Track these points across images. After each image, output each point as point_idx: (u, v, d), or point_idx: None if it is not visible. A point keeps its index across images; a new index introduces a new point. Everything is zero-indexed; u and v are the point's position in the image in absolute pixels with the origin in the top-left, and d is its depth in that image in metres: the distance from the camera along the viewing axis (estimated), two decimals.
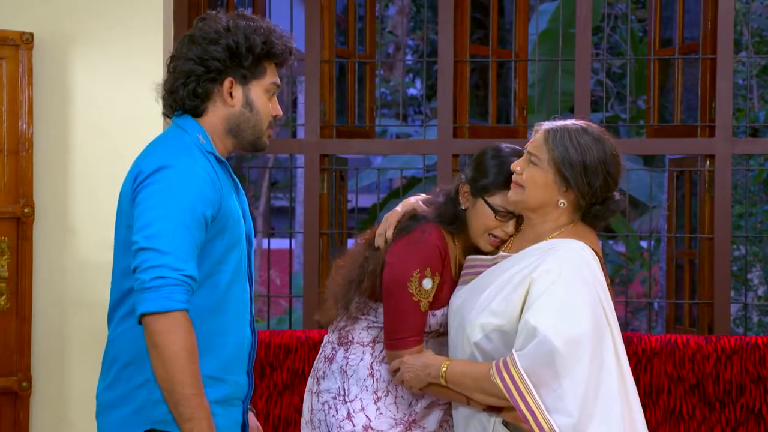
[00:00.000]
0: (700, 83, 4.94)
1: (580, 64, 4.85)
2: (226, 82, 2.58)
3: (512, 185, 2.78)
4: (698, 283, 4.98)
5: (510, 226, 2.88)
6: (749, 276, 9.90)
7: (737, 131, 5.76)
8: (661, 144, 5.04)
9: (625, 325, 5.37)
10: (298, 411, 4.19)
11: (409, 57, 13.27)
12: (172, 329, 2.35)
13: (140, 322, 2.38)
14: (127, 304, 2.51)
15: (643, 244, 11.23)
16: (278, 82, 2.68)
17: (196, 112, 2.60)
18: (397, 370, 2.88)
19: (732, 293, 5.32)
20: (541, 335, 2.53)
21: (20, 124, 4.39)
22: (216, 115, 2.61)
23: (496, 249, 2.89)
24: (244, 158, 9.51)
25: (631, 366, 4.02)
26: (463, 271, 2.92)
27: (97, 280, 4.27)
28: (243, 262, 2.63)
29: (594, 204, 2.72)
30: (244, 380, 2.65)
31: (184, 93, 2.57)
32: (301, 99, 11.12)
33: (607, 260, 10.85)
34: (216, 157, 2.60)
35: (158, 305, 2.35)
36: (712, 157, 4.83)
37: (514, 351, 2.58)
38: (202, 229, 2.45)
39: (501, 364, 2.59)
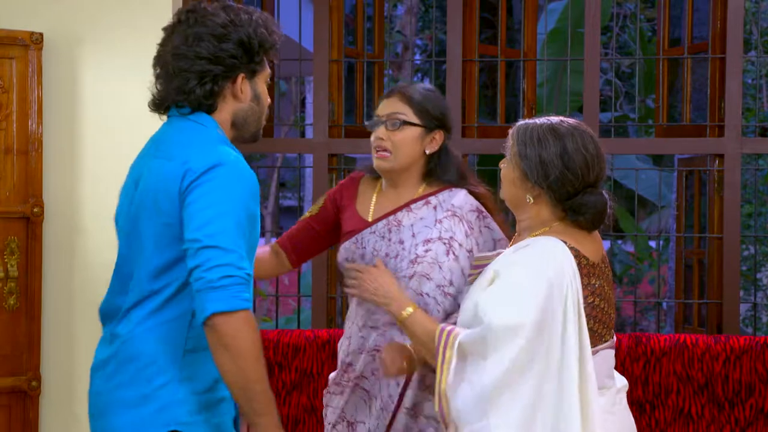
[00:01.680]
0: (710, 83, 4.94)
1: (588, 64, 4.85)
2: (239, 78, 2.56)
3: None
4: (707, 282, 4.97)
5: (380, 132, 3.01)
6: (758, 276, 9.87)
7: (746, 131, 5.75)
8: (670, 143, 5.04)
9: (633, 325, 5.35)
10: (307, 410, 4.19)
11: (417, 57, 13.26)
12: (243, 328, 2.34)
13: (205, 323, 2.34)
14: (153, 302, 2.47)
15: (652, 243, 11.22)
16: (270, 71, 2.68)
17: (211, 110, 2.57)
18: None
19: (741, 293, 5.31)
20: (486, 319, 2.55)
21: (30, 123, 4.40)
22: (226, 111, 2.58)
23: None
24: (253, 158, 9.51)
25: (639, 366, 4.01)
26: (470, 271, 2.95)
27: (106, 280, 4.26)
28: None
29: (566, 198, 2.70)
30: None
31: (201, 93, 2.52)
32: (309, 99, 11.12)
33: (615, 260, 10.89)
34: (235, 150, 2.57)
35: (228, 304, 2.32)
36: (721, 156, 4.82)
37: (460, 328, 2.63)
38: (253, 226, 2.45)
39: (446, 331, 2.63)
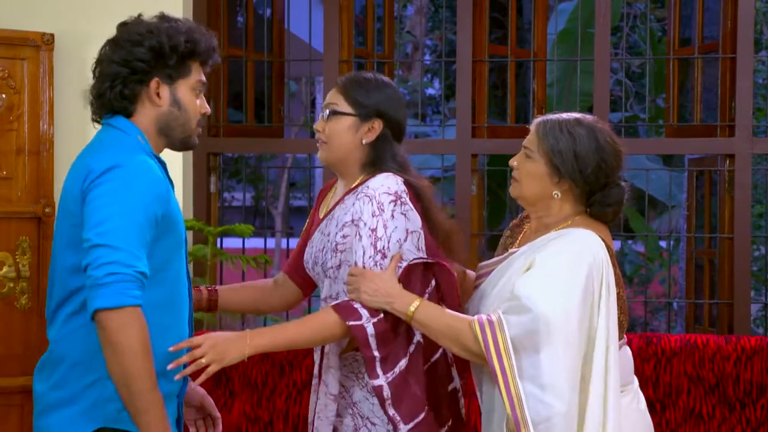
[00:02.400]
0: (720, 83, 4.92)
1: (599, 64, 4.84)
2: (153, 83, 2.60)
3: (511, 181, 2.81)
4: (718, 283, 4.96)
5: (317, 124, 2.93)
6: None
7: (757, 131, 5.74)
8: (681, 144, 5.03)
9: (644, 325, 5.35)
10: None
11: (427, 57, 13.26)
12: (127, 324, 2.37)
13: (93, 319, 2.39)
14: (73, 303, 2.52)
15: (663, 243, 11.19)
16: (204, 80, 2.69)
17: (126, 114, 2.62)
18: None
19: (752, 293, 5.30)
20: (535, 308, 2.53)
21: (41, 124, 4.41)
22: (145, 115, 2.62)
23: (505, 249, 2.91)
24: (264, 158, 9.52)
25: (650, 366, 4.01)
26: (476, 280, 2.93)
27: None
28: (184, 261, 2.66)
29: (593, 192, 2.71)
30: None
31: (111, 95, 2.59)
32: (319, 99, 11.13)
33: (626, 260, 10.86)
34: (156, 157, 2.62)
35: (113, 301, 2.36)
36: (731, 156, 4.81)
37: (501, 313, 2.58)
38: (153, 228, 2.48)
39: (486, 322, 2.58)
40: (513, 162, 2.79)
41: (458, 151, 4.95)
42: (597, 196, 2.71)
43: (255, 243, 5.84)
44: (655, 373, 3.97)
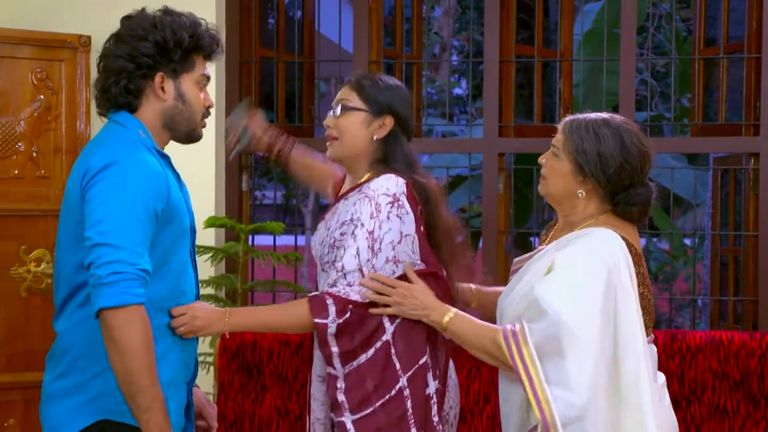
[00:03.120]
0: (745, 82, 4.89)
1: (624, 64, 4.82)
2: (157, 77, 2.60)
3: (540, 178, 2.83)
4: (742, 280, 4.94)
5: (328, 120, 2.93)
6: None
7: None
8: (706, 142, 5.00)
9: (668, 322, 5.32)
10: None
11: (454, 57, 13.25)
12: (130, 323, 2.38)
13: (97, 317, 2.40)
14: (79, 298, 2.53)
15: (687, 241, 11.13)
16: (208, 74, 2.69)
17: (131, 108, 2.62)
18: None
19: None
20: (552, 312, 2.52)
21: (78, 124, 4.44)
22: (150, 109, 2.62)
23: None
24: None
25: (675, 362, 3.98)
26: (510, 275, 2.94)
27: None
28: (187, 252, 2.66)
29: (616, 192, 2.71)
30: (191, 363, 2.70)
31: (116, 90, 2.59)
32: None
33: (651, 257, 10.81)
34: (158, 151, 2.62)
35: (116, 300, 2.37)
36: (756, 155, 4.78)
37: (525, 322, 2.58)
38: (154, 223, 2.48)
39: (510, 333, 2.59)
40: (542, 159, 2.80)
41: (485, 150, 4.94)
42: (621, 195, 2.71)
43: (285, 240, 5.85)
44: (680, 369, 3.95)
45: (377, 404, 2.76)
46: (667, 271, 10.89)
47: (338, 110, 2.91)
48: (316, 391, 2.92)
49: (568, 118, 2.78)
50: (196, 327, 2.67)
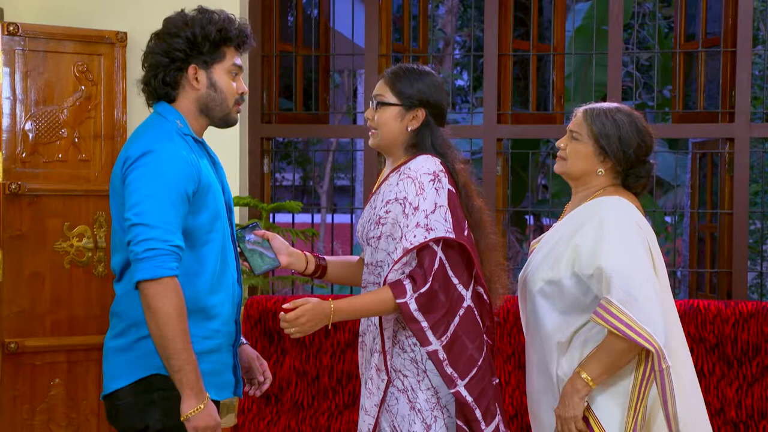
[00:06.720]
0: (721, 74, 4.87)
1: (612, 57, 4.80)
2: (190, 69, 2.64)
3: (557, 159, 2.93)
4: (718, 253, 4.93)
5: (368, 112, 2.94)
6: (764, 247, 9.75)
7: (754, 117, 5.66)
8: (686, 129, 4.99)
9: None
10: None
11: (457, 52, 13.19)
12: (164, 293, 2.43)
13: (137, 288, 2.46)
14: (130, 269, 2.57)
15: (668, 219, 11.11)
16: (239, 63, 2.71)
17: (169, 98, 2.66)
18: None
19: (748, 263, 5.25)
20: (614, 273, 2.64)
21: (115, 112, 4.45)
22: (186, 98, 2.66)
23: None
24: (311, 142, 9.53)
25: None
26: (528, 255, 3.00)
27: None
28: (227, 227, 2.69)
29: (630, 168, 2.85)
30: (233, 328, 2.72)
31: (156, 83, 2.64)
32: (360, 90, 11.11)
33: None
34: (193, 138, 2.65)
35: (151, 273, 2.42)
36: (731, 140, 4.77)
37: (603, 295, 2.68)
38: (186, 204, 2.52)
39: (602, 309, 2.66)
40: (560, 143, 2.91)
41: (485, 135, 4.93)
42: (633, 170, 2.85)
43: (303, 218, 5.87)
44: None
45: (480, 362, 2.80)
46: None
47: (375, 104, 2.92)
48: (367, 363, 2.91)
49: (586, 106, 2.91)
50: (305, 329, 2.71)
